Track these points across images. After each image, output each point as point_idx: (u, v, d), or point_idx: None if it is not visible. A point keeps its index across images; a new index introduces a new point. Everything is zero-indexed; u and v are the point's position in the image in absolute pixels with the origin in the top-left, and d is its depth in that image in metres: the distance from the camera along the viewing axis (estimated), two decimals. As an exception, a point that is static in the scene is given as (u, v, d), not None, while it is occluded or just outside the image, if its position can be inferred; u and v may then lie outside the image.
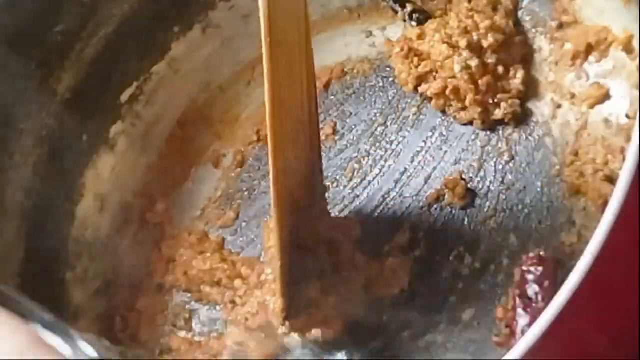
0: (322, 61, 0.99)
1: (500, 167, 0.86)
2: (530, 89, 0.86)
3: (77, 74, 0.94)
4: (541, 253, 0.77)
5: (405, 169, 0.91)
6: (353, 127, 0.96)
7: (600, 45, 0.81)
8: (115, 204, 0.98)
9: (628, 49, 0.79)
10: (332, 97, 0.99)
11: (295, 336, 0.81)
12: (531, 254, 0.77)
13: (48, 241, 0.92)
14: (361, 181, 0.93)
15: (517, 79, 0.85)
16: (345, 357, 0.83)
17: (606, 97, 0.81)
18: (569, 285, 0.57)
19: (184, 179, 1.00)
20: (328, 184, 0.93)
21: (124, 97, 0.98)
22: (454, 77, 0.86)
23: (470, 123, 0.88)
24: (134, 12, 0.95)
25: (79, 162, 0.95)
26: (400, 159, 0.92)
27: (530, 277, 0.76)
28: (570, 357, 0.61)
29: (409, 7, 0.94)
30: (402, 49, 0.90)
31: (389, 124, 0.94)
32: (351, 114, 0.97)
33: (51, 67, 0.92)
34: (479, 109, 0.86)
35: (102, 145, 0.97)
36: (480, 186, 0.87)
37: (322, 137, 0.96)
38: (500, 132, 0.88)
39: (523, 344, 0.56)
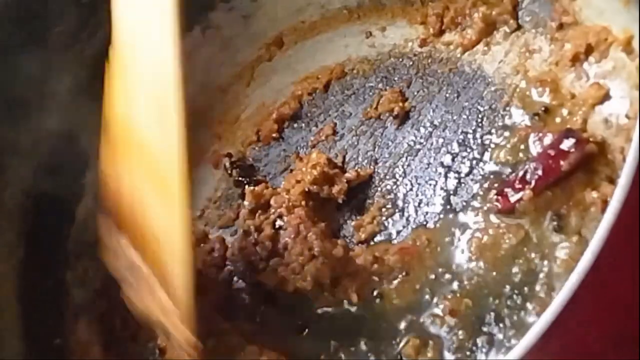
0: (322, 61, 1.00)
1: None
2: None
3: (77, 74, 0.94)
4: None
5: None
6: (353, 127, 0.96)
7: (600, 46, 0.81)
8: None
9: (628, 49, 0.79)
10: (332, 97, 0.99)
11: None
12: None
13: (48, 241, 0.92)
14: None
15: None
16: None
17: (606, 97, 0.80)
18: (569, 285, 0.57)
19: (184, 179, 1.00)
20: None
21: (124, 97, 0.98)
22: None
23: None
24: (134, 13, 0.95)
25: (79, 162, 0.95)
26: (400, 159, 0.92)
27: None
28: (570, 357, 0.61)
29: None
30: None
31: (388, 124, 0.94)
32: (351, 114, 0.97)
33: (51, 67, 0.92)
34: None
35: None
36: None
37: (322, 137, 0.97)
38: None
39: (523, 343, 0.56)
